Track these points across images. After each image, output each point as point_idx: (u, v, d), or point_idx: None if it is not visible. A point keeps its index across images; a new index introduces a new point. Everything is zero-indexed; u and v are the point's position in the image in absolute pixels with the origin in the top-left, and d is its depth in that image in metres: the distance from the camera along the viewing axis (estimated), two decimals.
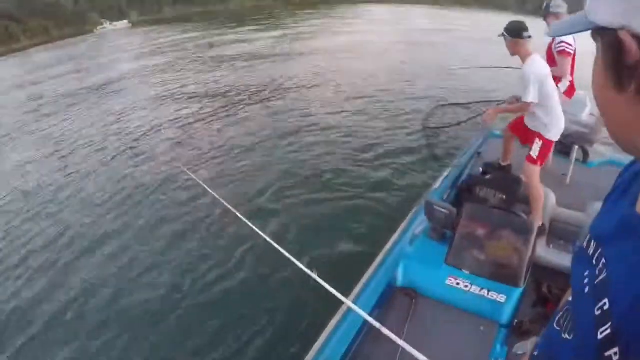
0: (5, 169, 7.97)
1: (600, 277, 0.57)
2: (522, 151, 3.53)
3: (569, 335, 0.66)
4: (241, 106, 9.93)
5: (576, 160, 3.96)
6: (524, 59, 3.08)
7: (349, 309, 1.85)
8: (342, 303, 1.80)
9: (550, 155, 3.67)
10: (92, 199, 6.00)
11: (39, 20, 71.59)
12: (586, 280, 0.61)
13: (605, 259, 0.58)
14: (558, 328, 0.71)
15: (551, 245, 3.06)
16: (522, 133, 3.52)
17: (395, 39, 22.79)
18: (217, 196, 2.65)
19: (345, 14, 46.11)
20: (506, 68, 4.73)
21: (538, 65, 3.06)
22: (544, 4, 4.01)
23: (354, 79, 12.20)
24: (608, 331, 0.51)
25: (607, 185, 0.71)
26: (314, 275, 1.77)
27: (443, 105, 8.75)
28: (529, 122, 3.37)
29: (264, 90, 11.32)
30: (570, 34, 0.56)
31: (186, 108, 10.24)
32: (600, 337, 0.52)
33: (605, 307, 0.53)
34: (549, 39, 3.93)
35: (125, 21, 71.65)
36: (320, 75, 12.80)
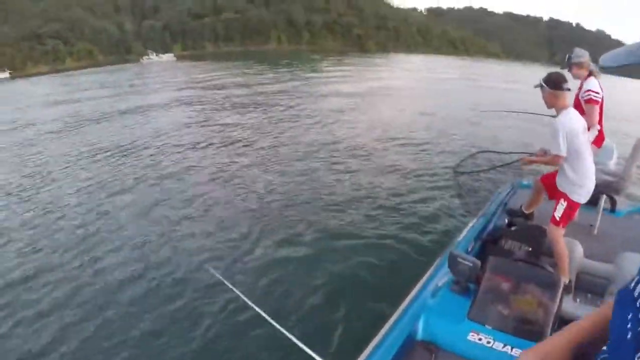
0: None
1: None
2: (549, 202, 3.43)
3: None
4: (271, 157, 9.00)
5: (604, 209, 3.80)
6: (559, 111, 3.01)
7: None
8: None
9: None
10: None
11: (86, 44, 76.58)
12: (629, 325, 0.57)
13: None
14: None
15: (578, 299, 2.94)
16: (552, 188, 3.41)
17: (426, 86, 23.15)
18: (240, 294, 2.46)
19: (377, 61, 47.38)
20: (541, 115, 4.70)
21: (572, 118, 2.97)
22: (567, 55, 4.02)
23: (385, 123, 12.36)
24: None
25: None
26: None
27: (476, 153, 8.74)
28: (557, 179, 3.26)
29: (294, 135, 10.96)
30: (627, 63, 0.53)
31: (216, 151, 9.65)
32: None
33: None
34: (576, 89, 3.87)
35: (171, 54, 76.57)
36: (351, 118, 13.02)
